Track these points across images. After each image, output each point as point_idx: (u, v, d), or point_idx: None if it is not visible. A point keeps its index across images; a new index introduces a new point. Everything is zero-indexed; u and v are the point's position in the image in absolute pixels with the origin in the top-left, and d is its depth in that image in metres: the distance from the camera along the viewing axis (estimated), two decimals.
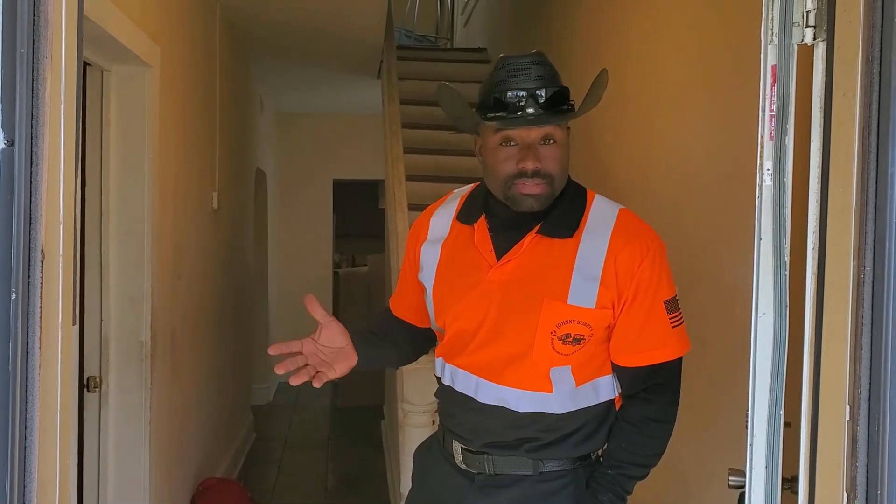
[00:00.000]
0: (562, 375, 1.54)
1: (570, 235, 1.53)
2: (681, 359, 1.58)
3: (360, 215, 10.20)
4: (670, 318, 1.53)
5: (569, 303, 1.50)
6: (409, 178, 4.94)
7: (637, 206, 2.87)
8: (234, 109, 5.09)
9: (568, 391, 1.55)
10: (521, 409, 1.56)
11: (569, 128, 1.55)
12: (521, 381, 1.55)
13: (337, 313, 7.57)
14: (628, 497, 1.59)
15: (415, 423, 2.90)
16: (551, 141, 1.50)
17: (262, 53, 5.62)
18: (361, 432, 6.12)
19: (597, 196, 1.61)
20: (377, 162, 7.00)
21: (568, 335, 1.50)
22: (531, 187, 1.49)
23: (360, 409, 6.71)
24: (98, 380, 2.77)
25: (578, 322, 1.50)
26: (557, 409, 1.55)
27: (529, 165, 1.48)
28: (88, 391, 2.77)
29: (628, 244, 1.51)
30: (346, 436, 6.15)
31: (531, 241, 1.54)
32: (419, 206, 4.98)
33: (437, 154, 5.32)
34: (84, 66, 2.77)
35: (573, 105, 1.53)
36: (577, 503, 1.58)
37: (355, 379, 7.02)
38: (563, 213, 1.55)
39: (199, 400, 3.94)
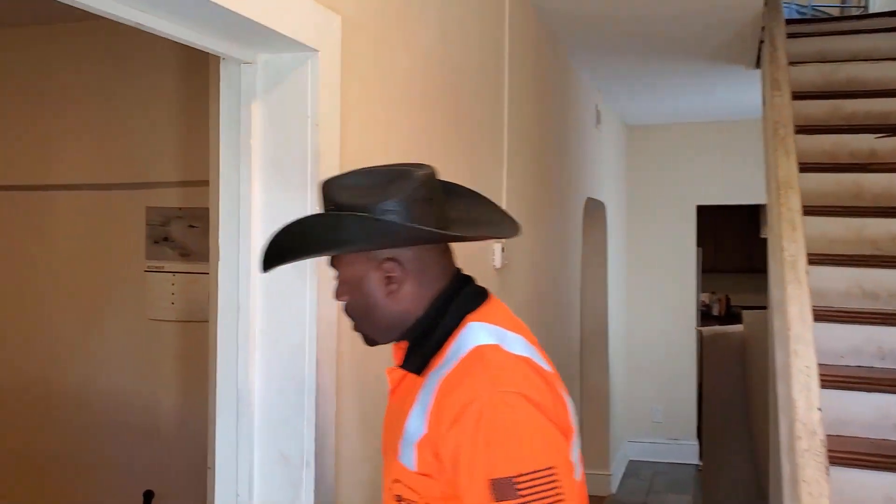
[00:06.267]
0: None
1: (419, 373, 1.20)
2: None
3: (734, 246, 8.53)
4: None
5: (398, 459, 1.19)
6: (808, 210, 3.16)
7: None
8: (546, 123, 3.79)
9: None
10: None
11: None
12: None
13: (701, 381, 5.91)
14: None
15: None
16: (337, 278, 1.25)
17: (594, 49, 4.31)
18: None
19: (470, 325, 1.17)
20: (755, 181, 5.29)
21: (400, 497, 1.19)
22: None
23: None
24: None
25: (405, 484, 1.18)
26: None
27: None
28: None
29: (451, 393, 1.10)
30: None
31: (401, 375, 1.26)
32: (824, 259, 3.19)
33: (853, 171, 3.45)
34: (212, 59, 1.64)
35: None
36: None
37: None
38: (415, 346, 1.21)
39: None
